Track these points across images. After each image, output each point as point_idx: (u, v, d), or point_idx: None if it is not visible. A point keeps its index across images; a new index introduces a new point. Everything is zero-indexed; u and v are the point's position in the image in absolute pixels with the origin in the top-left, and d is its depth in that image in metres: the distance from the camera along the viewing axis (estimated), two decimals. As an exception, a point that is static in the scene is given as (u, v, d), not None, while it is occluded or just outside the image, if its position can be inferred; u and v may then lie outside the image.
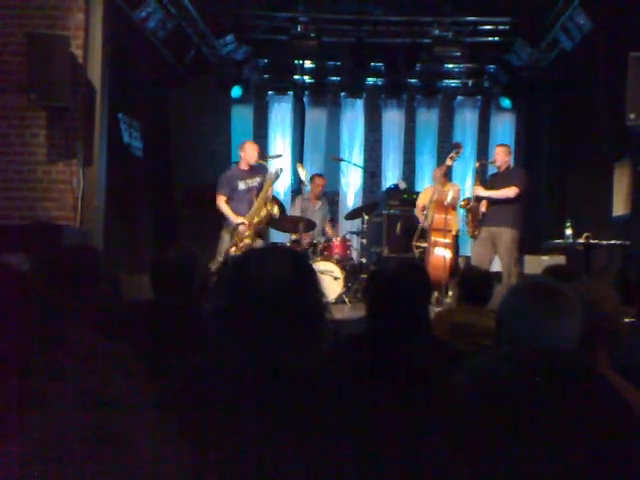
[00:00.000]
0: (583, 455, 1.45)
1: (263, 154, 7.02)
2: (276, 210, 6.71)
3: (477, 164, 7.12)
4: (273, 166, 6.91)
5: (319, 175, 8.33)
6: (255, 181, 6.62)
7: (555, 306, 1.64)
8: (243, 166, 6.67)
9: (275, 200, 7.07)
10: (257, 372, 1.45)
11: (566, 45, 7.72)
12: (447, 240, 6.96)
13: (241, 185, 6.58)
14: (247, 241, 6.39)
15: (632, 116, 5.61)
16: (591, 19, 6.95)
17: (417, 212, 7.88)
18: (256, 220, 6.50)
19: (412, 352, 2.18)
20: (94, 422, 1.24)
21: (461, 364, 1.69)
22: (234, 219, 6.44)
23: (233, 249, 6.37)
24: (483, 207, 6.71)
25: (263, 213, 6.53)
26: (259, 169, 6.70)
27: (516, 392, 1.51)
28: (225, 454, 1.39)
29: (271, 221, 6.87)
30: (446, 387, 1.63)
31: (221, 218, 6.63)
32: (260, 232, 6.69)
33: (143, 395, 1.55)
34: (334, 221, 8.42)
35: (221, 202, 6.52)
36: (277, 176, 6.66)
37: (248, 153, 6.64)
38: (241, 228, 6.42)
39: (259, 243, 6.54)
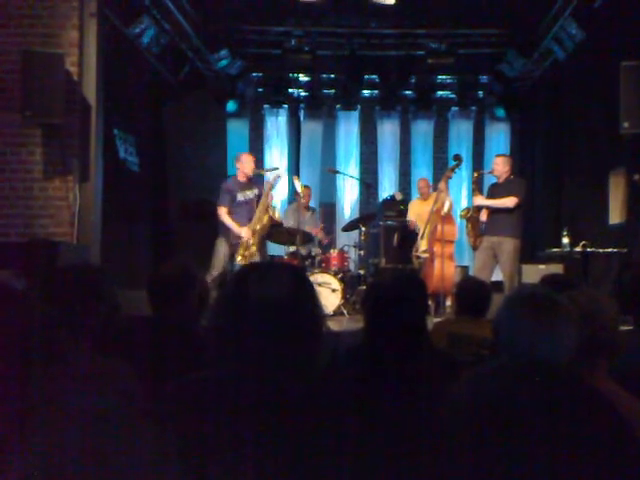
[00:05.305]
0: (578, 464, 1.45)
1: (259, 167, 7.04)
2: (277, 215, 6.74)
3: (475, 174, 7.07)
4: (270, 177, 6.94)
5: (305, 186, 8.32)
6: (253, 192, 6.62)
7: (551, 316, 1.64)
8: (241, 178, 6.65)
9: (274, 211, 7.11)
10: (256, 387, 1.45)
11: (559, 55, 7.78)
12: (449, 250, 6.98)
13: (240, 197, 6.59)
14: (253, 249, 6.44)
15: (626, 124, 5.62)
16: (583, 29, 6.99)
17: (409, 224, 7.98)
18: (258, 227, 6.52)
19: (410, 363, 2.17)
20: (93, 439, 1.23)
21: (459, 375, 1.69)
22: (238, 230, 6.46)
23: (239, 258, 6.39)
24: (483, 216, 6.67)
25: (265, 220, 6.56)
26: (256, 180, 6.73)
27: (513, 403, 1.51)
28: (225, 470, 1.38)
29: (274, 227, 6.86)
30: (445, 398, 1.63)
31: (218, 231, 6.63)
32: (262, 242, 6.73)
33: (141, 412, 1.54)
34: (325, 227, 8.44)
35: (223, 214, 6.52)
36: (276, 182, 6.70)
37: (245, 164, 6.64)
38: (245, 238, 6.44)
39: (258, 255, 6.56)
